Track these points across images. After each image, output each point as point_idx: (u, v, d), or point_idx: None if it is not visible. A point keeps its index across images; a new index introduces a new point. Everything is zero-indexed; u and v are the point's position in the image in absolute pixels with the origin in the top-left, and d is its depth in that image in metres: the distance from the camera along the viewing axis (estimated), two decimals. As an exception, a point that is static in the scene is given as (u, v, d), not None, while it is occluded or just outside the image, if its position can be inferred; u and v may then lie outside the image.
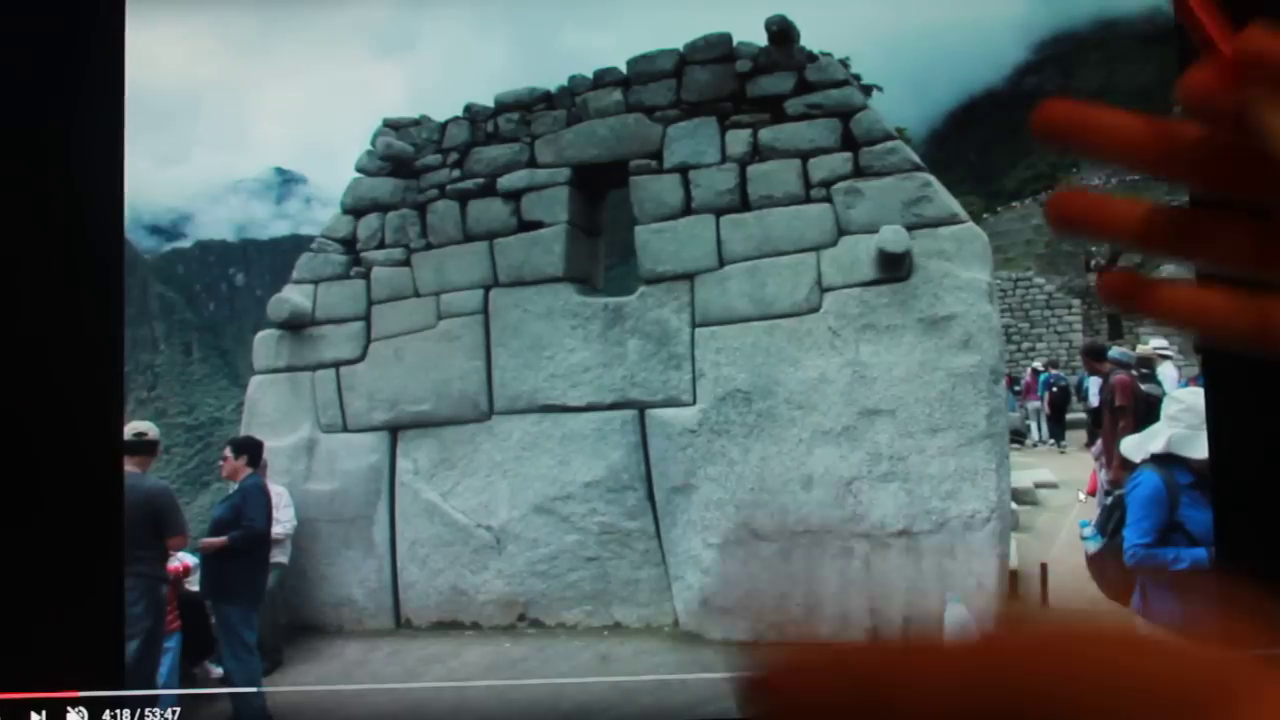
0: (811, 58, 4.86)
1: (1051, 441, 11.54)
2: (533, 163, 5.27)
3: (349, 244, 5.60)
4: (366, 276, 5.49)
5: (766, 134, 4.84)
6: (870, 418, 4.46)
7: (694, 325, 4.86)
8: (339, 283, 5.54)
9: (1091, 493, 6.59)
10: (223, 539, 4.12)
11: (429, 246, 5.39)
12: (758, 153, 4.85)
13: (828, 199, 4.72)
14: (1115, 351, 6.09)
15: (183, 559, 4.25)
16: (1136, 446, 2.94)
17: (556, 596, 4.99)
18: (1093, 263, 22.18)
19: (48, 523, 2.51)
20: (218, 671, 4.36)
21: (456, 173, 5.39)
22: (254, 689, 4.00)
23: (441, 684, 4.33)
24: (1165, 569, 2.72)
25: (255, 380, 5.64)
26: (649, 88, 5.06)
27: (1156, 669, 0.20)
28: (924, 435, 4.37)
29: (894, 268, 4.49)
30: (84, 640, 2.51)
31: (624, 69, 5.13)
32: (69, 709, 2.46)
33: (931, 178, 4.63)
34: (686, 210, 4.93)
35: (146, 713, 2.58)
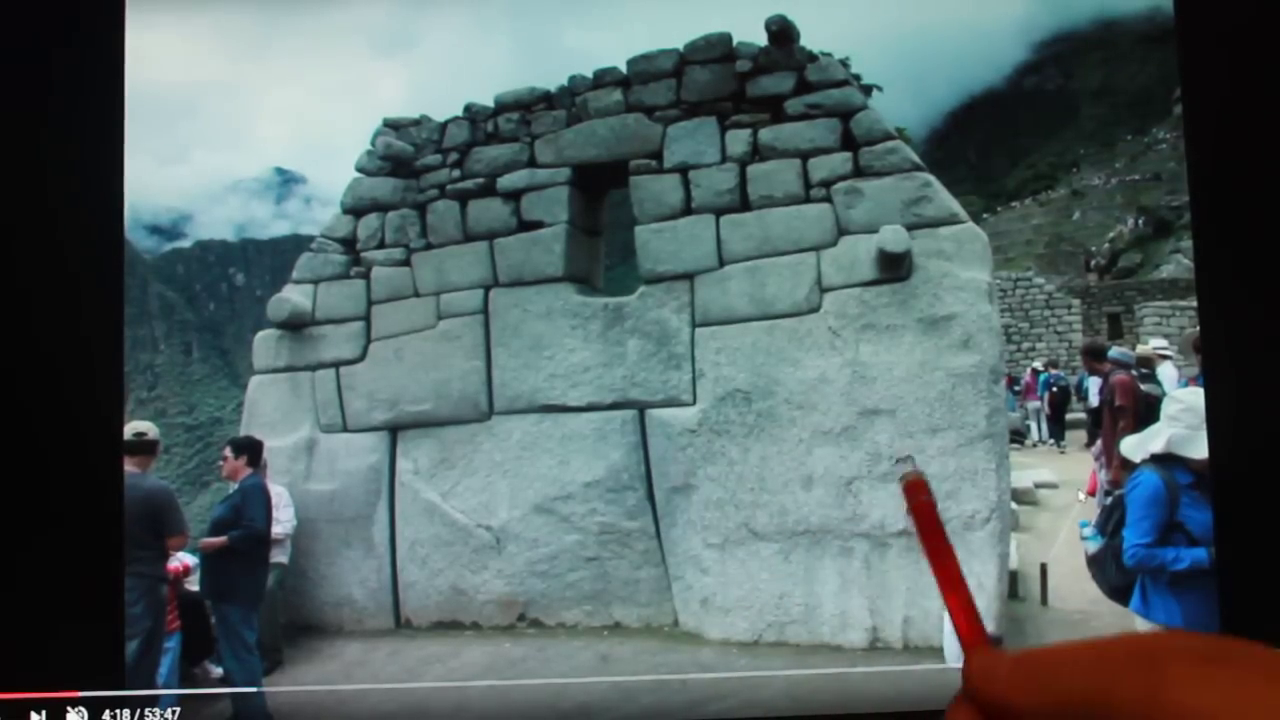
0: (811, 58, 4.86)
1: (1051, 441, 11.54)
2: (533, 163, 5.27)
3: (349, 244, 5.60)
4: (366, 276, 5.49)
5: (766, 134, 4.84)
6: (870, 418, 4.46)
7: (694, 325, 4.86)
8: (339, 283, 5.54)
9: (1091, 493, 6.59)
10: (223, 539, 4.12)
11: (429, 246, 5.39)
12: (758, 153, 4.85)
13: (828, 199, 4.72)
14: (1115, 351, 6.09)
15: (183, 559, 4.24)
16: (1136, 446, 2.93)
17: (556, 596, 4.99)
18: (1093, 263, 22.21)
19: (48, 523, 2.51)
20: (218, 671, 4.36)
21: (456, 173, 5.39)
22: (254, 689, 4.00)
23: (441, 684, 4.33)
24: (1165, 569, 2.71)
25: (255, 380, 5.64)
26: (649, 88, 5.06)
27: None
28: (924, 435, 4.37)
29: (894, 268, 4.49)
30: (84, 640, 2.51)
31: (624, 69, 5.13)
32: (69, 709, 2.46)
33: (931, 178, 4.63)
34: (686, 210, 4.93)
35: (146, 713, 2.58)
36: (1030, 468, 8.52)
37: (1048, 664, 0.38)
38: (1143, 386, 5.43)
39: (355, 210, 5.61)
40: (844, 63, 5.11)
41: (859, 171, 4.69)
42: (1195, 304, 2.87)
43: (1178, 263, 19.93)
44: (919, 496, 0.52)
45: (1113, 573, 2.96)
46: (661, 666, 4.38)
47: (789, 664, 4.25)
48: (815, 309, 4.65)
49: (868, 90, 5.52)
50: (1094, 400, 6.85)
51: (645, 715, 3.64)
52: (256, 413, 5.54)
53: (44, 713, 2.44)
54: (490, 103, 5.40)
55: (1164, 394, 4.24)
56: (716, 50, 4.98)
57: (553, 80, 5.38)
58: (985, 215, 24.82)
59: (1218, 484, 2.70)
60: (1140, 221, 23.63)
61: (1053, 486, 7.88)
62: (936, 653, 4.17)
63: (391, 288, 5.43)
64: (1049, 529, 6.43)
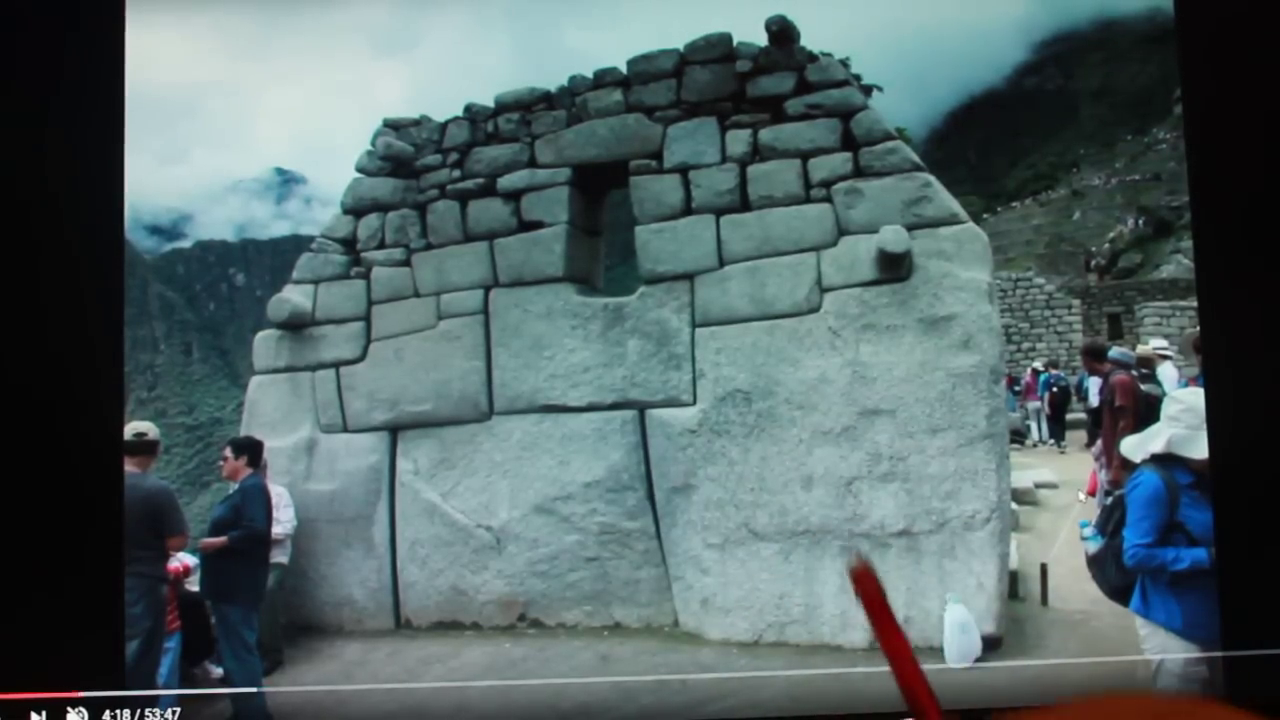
0: (811, 58, 4.86)
1: (1051, 441, 11.54)
2: (533, 163, 5.27)
3: (349, 244, 5.60)
4: (366, 276, 5.49)
5: (766, 134, 4.84)
6: (870, 418, 4.46)
7: (694, 325, 4.86)
8: (339, 283, 5.54)
9: (1091, 493, 6.59)
10: (223, 539, 4.12)
11: (429, 246, 5.39)
12: (758, 153, 4.85)
13: (828, 199, 4.72)
14: (1115, 351, 6.09)
15: (183, 559, 4.24)
16: (1136, 446, 2.93)
17: (556, 596, 4.99)
18: (1093, 263, 22.21)
19: (48, 523, 2.51)
20: (218, 671, 4.36)
21: (456, 173, 5.39)
22: (254, 689, 4.00)
23: (441, 684, 4.33)
24: (1165, 569, 2.71)
25: (255, 380, 5.64)
26: (649, 88, 5.06)
27: None
28: (924, 435, 4.37)
29: (894, 268, 4.48)
30: (84, 640, 2.51)
31: (624, 69, 5.13)
32: (69, 709, 2.46)
33: (931, 178, 4.63)
34: (686, 210, 4.93)
35: (146, 713, 2.58)
36: (1030, 468, 8.52)
37: None
38: (1143, 386, 5.43)
39: (355, 210, 5.61)
40: (844, 63, 5.11)
41: (859, 171, 4.69)
42: (1195, 304, 2.87)
43: (1178, 263, 19.92)
44: (869, 584, 0.59)
45: (1113, 573, 2.96)
46: (661, 667, 4.38)
47: (789, 664, 4.25)
48: (815, 309, 4.65)
49: (868, 90, 5.51)
50: (1094, 400, 6.85)
51: (645, 715, 3.64)
52: (256, 413, 5.54)
53: (44, 713, 2.44)
54: (490, 103, 5.40)
55: (1164, 394, 4.24)
56: (716, 50, 4.97)
57: (553, 80, 5.38)
58: (985, 215, 24.81)
59: (1218, 484, 2.70)
60: (1140, 221, 23.63)
61: (1053, 486, 7.88)
62: (936, 653, 4.17)
63: (391, 288, 5.43)
64: (1049, 529, 6.43)
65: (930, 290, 4.47)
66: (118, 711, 2.52)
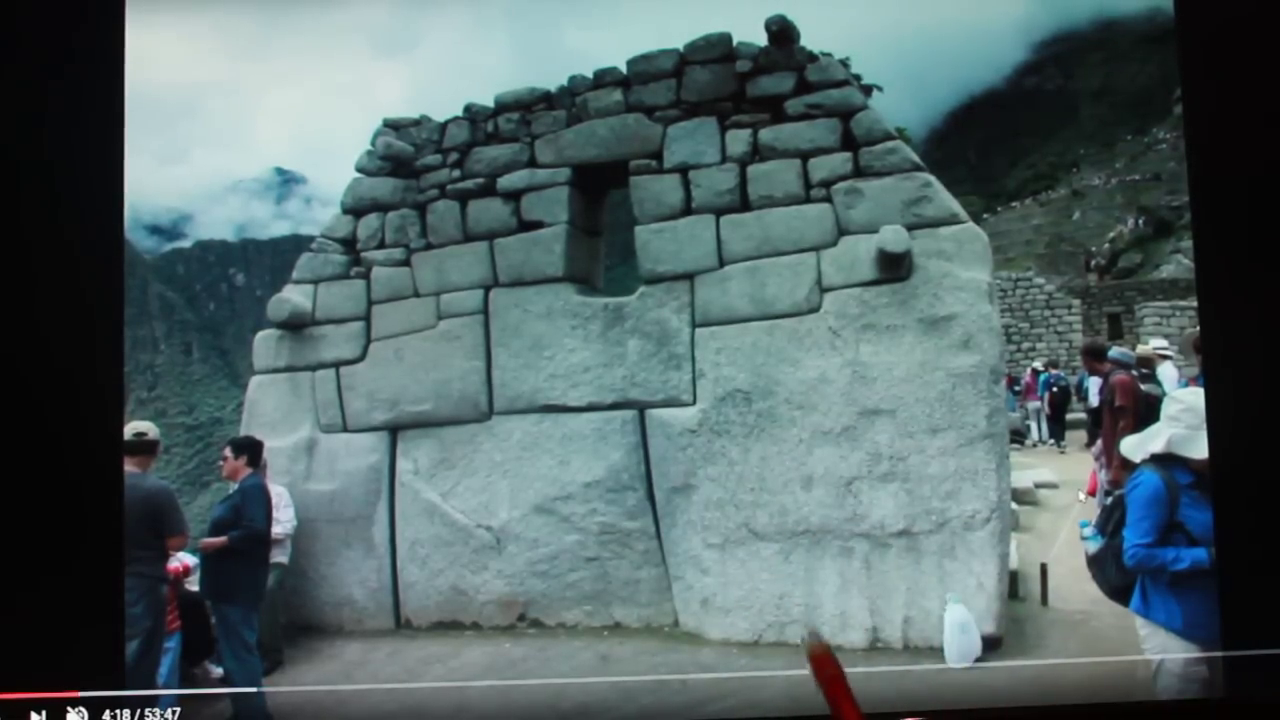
0: (811, 58, 4.86)
1: (1051, 441, 11.55)
2: (533, 163, 5.27)
3: (349, 244, 5.60)
4: (366, 276, 5.49)
5: (766, 134, 4.84)
6: (870, 418, 4.46)
7: (694, 325, 4.86)
8: (339, 283, 5.54)
9: (1091, 493, 6.59)
10: (223, 539, 4.12)
11: (429, 246, 5.39)
12: (758, 153, 4.85)
13: (828, 199, 4.72)
14: (1115, 351, 6.09)
15: (183, 559, 4.24)
16: (1136, 446, 2.93)
17: (556, 596, 4.99)
18: (1093, 263, 22.21)
19: (48, 523, 2.51)
20: (218, 671, 4.36)
21: (456, 173, 5.39)
22: (254, 689, 4.00)
23: (441, 684, 4.33)
24: (1165, 569, 2.71)
25: (255, 380, 5.64)
26: (649, 88, 5.06)
27: None
28: (924, 435, 4.37)
29: (894, 268, 4.48)
30: (84, 640, 2.51)
31: (624, 69, 5.13)
32: (69, 709, 2.46)
33: (931, 178, 4.63)
34: (686, 210, 4.93)
35: (146, 713, 2.58)
36: (1030, 468, 8.52)
37: None
38: (1143, 386, 5.43)
39: (355, 210, 5.61)
40: (844, 63, 5.11)
41: (859, 171, 4.69)
42: (1195, 304, 2.88)
43: (1178, 263, 19.93)
44: (827, 669, 0.61)
45: (1113, 573, 2.96)
46: (661, 666, 4.38)
47: (789, 664, 4.25)
48: (815, 309, 4.65)
49: (868, 90, 5.51)
50: (1094, 400, 6.85)
51: (645, 715, 3.65)
52: (256, 413, 5.55)
53: (44, 713, 2.45)
54: (490, 103, 5.40)
55: (1164, 394, 4.24)
56: (716, 50, 4.98)
57: (553, 80, 5.39)
58: (985, 215, 24.82)
59: (1218, 484, 2.70)
60: (1140, 221, 23.63)
61: (1053, 486, 7.88)
62: (936, 653, 4.17)
63: (391, 288, 5.43)
64: (1049, 529, 6.43)
65: (930, 290, 4.47)
66: (118, 711, 2.52)
